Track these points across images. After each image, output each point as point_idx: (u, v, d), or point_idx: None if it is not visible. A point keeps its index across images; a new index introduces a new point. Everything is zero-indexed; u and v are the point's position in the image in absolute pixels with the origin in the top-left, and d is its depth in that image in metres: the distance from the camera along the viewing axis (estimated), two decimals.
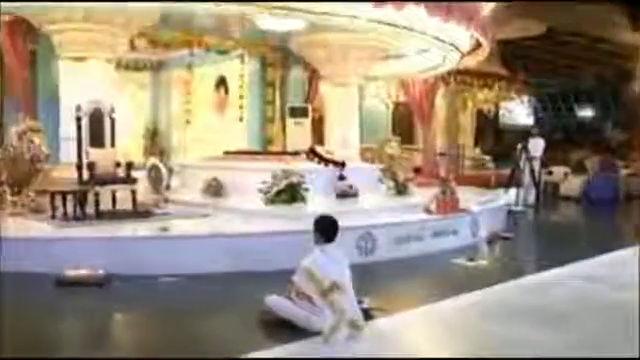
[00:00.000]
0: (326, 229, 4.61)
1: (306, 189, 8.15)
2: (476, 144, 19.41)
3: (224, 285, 5.83)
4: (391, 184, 9.87)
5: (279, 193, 7.98)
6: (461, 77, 16.04)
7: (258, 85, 12.47)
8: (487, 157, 18.54)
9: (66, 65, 8.78)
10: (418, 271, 6.80)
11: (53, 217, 7.40)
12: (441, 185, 8.53)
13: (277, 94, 12.52)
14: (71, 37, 8.58)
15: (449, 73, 14.58)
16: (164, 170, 9.12)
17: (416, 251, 7.34)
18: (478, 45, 11.39)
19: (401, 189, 9.76)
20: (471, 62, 12.72)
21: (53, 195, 7.54)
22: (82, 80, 8.62)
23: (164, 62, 14.25)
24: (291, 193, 8.00)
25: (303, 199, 8.08)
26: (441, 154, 16.09)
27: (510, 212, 10.98)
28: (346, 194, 8.83)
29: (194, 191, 9.26)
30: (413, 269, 6.82)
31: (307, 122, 11.80)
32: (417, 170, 14.67)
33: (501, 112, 24.88)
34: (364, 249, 6.94)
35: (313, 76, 12.47)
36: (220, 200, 8.77)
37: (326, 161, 9.24)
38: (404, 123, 17.05)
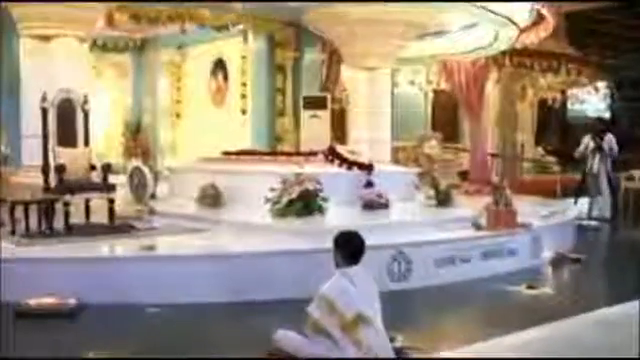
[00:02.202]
0: (349, 248, 4.60)
1: (324, 198, 8.16)
2: (537, 142, 19.29)
3: (223, 318, 5.84)
4: (431, 192, 9.85)
5: (291, 203, 7.99)
6: (519, 58, 15.93)
7: (265, 69, 12.52)
8: (551, 158, 18.42)
9: (29, 45, 8.89)
10: (464, 301, 6.76)
11: (13, 233, 7.46)
12: (493, 193, 8.49)
13: (288, 81, 12.57)
14: (35, 10, 8.68)
15: (503, 53, 14.52)
16: (149, 175, 9.19)
17: (462, 276, 7.31)
18: (540, 18, 11.35)
19: (443, 198, 9.73)
20: (531, 39, 12.67)
21: (13, 205, 7.61)
22: (49, 64, 8.73)
23: (149, 41, 14.38)
24: (306, 203, 8.01)
25: (320, 210, 8.09)
26: (493, 155, 16.01)
27: (581, 227, 10.89)
28: (374, 204, 8.82)
29: (186, 201, 9.31)
30: (458, 298, 6.78)
31: (326, 115, 11.82)
32: (463, 175, 14.61)
33: (569, 102, 24.70)
34: (397, 273, 6.92)
35: (333, 58, 12.49)
36: (218, 212, 8.80)
37: (349, 163, 9.24)
38: (447, 116, 17.00)
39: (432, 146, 13.02)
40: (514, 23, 10.70)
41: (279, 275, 6.37)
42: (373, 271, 4.94)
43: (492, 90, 16.66)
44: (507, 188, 8.59)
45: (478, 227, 8.14)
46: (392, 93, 12.72)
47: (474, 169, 14.71)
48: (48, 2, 8.51)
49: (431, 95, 16.99)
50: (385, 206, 8.90)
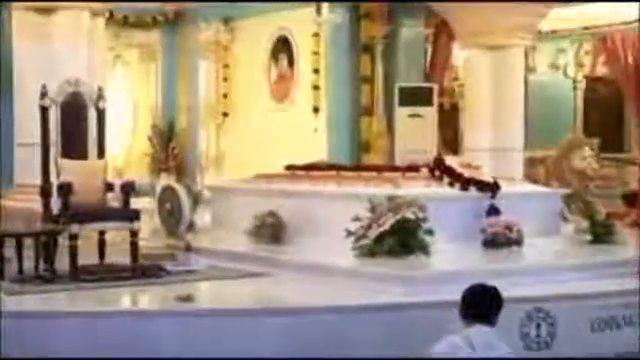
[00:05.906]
0: (475, 304, 4.61)
1: (429, 231, 8.12)
2: None
3: None
4: (583, 223, 9.69)
5: (382, 238, 7.98)
6: None
7: (346, 51, 12.59)
8: None
9: (24, 20, 9.11)
10: None
11: (1, 276, 7.65)
12: None
13: (378, 66, 12.60)
14: None
15: None
16: (185, 198, 9.30)
17: (628, 345, 7.16)
18: None
19: (601, 232, 9.56)
20: None
21: (2, 239, 7.80)
22: (50, 46, 8.94)
23: (186, 14, 14.63)
24: (403, 238, 7.99)
25: (424, 248, 8.05)
26: None
27: None
28: (501, 240, 8.73)
29: (236, 233, 9.39)
30: None
31: (431, 114, 11.78)
32: (631, 198, 14.32)
33: None
34: (534, 338, 6.83)
35: (441, 35, 12.48)
36: (280, 249, 8.85)
37: (465, 181, 9.18)
38: (606, 114, 16.72)
39: (585, 157, 12.78)
40: None
41: (364, 338, 6.35)
42: (500, 334, 4.89)
43: None
44: None
45: None
46: (526, 82, 12.62)
47: None
48: None
49: (583, 84, 16.76)
50: (516, 243, 8.80)
